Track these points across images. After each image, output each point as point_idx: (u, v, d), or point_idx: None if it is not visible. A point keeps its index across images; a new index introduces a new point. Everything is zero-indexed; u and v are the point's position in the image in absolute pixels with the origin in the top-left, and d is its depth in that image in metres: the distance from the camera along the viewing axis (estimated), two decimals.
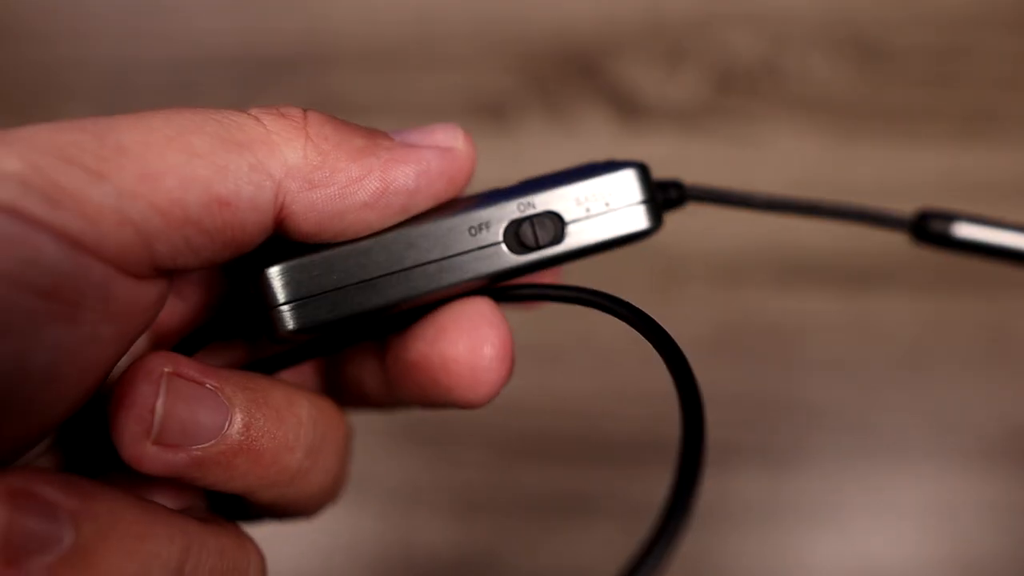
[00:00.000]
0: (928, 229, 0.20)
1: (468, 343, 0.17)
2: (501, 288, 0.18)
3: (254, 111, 0.16)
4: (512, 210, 0.17)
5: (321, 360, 0.21)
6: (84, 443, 0.17)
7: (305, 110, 0.17)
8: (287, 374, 0.20)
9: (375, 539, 0.40)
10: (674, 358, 0.16)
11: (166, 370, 0.15)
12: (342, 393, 0.21)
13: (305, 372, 0.21)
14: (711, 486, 0.40)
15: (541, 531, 0.40)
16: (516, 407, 0.41)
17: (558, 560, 0.40)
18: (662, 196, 0.19)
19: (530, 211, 0.17)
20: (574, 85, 0.45)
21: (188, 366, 0.16)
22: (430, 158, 0.17)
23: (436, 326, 0.17)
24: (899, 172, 0.43)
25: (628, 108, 0.45)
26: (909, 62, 0.44)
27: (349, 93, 0.46)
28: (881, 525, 0.39)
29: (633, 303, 0.17)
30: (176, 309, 0.18)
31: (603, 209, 0.18)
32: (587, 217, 0.17)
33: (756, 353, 0.42)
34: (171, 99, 0.47)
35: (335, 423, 0.18)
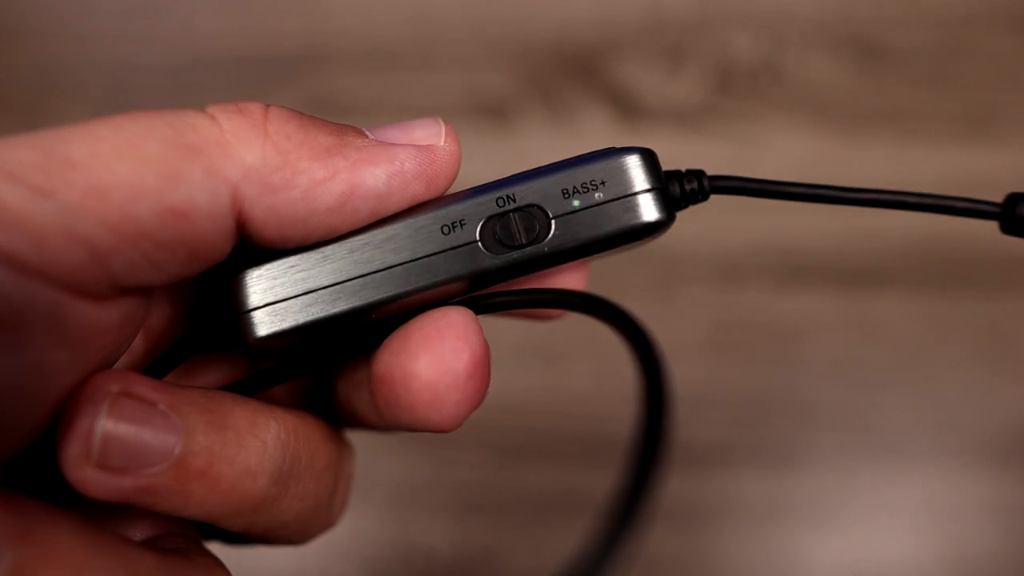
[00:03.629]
0: (1018, 215, 0.17)
1: (431, 357, 0.15)
2: (478, 296, 0.16)
3: (211, 109, 0.15)
4: (490, 205, 0.15)
5: (313, 380, 0.20)
6: (47, 471, 0.16)
7: (268, 105, 0.15)
8: (279, 391, 0.19)
9: (375, 539, 0.40)
10: (652, 371, 0.14)
11: (113, 389, 0.14)
12: (338, 415, 0.20)
13: (298, 393, 0.20)
14: (711, 486, 0.40)
15: (541, 531, 0.40)
16: (516, 407, 0.41)
17: (558, 560, 0.40)
18: (678, 188, 0.17)
19: (510, 205, 0.15)
20: (574, 85, 0.45)
21: (139, 385, 0.15)
22: (405, 158, 0.15)
23: (402, 336, 0.16)
24: (899, 172, 0.43)
25: (628, 108, 0.45)
26: (909, 62, 0.44)
27: (349, 93, 0.46)
28: (881, 525, 0.39)
29: (623, 307, 0.15)
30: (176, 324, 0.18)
31: (596, 200, 0.15)
32: (577, 210, 0.15)
33: (756, 353, 0.42)
34: (171, 100, 0.47)
35: (314, 445, 0.17)
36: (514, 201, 0.16)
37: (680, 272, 0.42)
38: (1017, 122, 0.43)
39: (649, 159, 0.16)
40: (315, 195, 0.15)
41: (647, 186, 0.16)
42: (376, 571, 0.40)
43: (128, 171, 0.13)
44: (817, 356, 0.41)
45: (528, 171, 0.16)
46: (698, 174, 0.17)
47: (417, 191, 0.16)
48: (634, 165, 0.16)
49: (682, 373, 0.41)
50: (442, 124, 0.16)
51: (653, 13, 0.46)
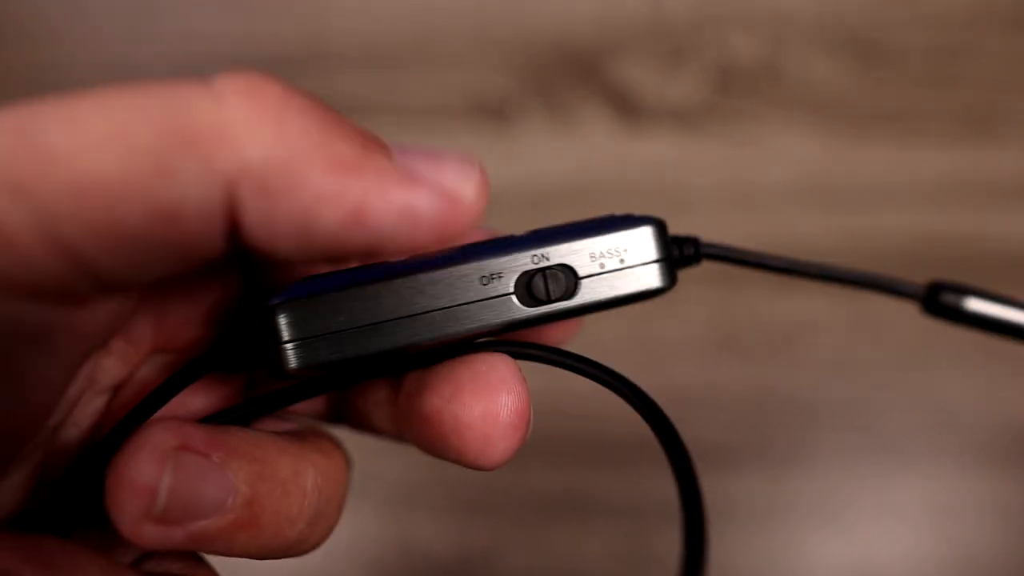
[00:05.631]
0: (939, 302, 0.20)
1: (484, 409, 0.16)
2: (512, 343, 0.18)
3: (220, 84, 0.13)
4: (526, 261, 0.17)
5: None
6: (70, 492, 0.16)
7: (288, 89, 0.13)
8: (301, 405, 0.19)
9: (375, 539, 0.40)
10: (672, 444, 0.16)
11: (171, 444, 0.14)
12: (348, 418, 0.20)
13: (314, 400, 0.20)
14: (711, 486, 0.40)
15: (541, 531, 0.40)
16: None
17: (558, 560, 0.40)
18: (678, 253, 0.19)
19: (543, 263, 0.17)
20: (574, 85, 0.45)
21: (195, 438, 0.14)
22: (425, 202, 0.13)
23: (454, 384, 0.16)
24: (899, 172, 0.43)
25: (628, 108, 0.45)
26: (909, 62, 0.44)
27: (349, 93, 0.46)
28: (881, 525, 0.39)
29: (633, 381, 0.17)
30: (191, 314, 0.17)
31: (618, 266, 0.17)
32: (601, 273, 0.17)
33: (756, 353, 0.42)
34: None
35: (340, 483, 0.17)
36: (547, 259, 0.17)
37: (680, 272, 0.42)
38: (1017, 122, 0.43)
39: (662, 231, 0.18)
40: (315, 213, 0.13)
41: (659, 256, 0.17)
42: (376, 571, 0.40)
43: (115, 165, 0.12)
44: (817, 356, 0.41)
45: (556, 229, 0.17)
46: (694, 241, 0.19)
47: (423, 240, 0.14)
48: (652, 236, 0.17)
49: (682, 373, 0.41)
50: (477, 169, 0.14)
51: (653, 13, 0.46)
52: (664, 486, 0.43)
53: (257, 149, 0.12)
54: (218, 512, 0.14)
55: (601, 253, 0.17)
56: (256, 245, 0.13)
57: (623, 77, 0.45)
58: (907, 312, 0.42)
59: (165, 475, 0.14)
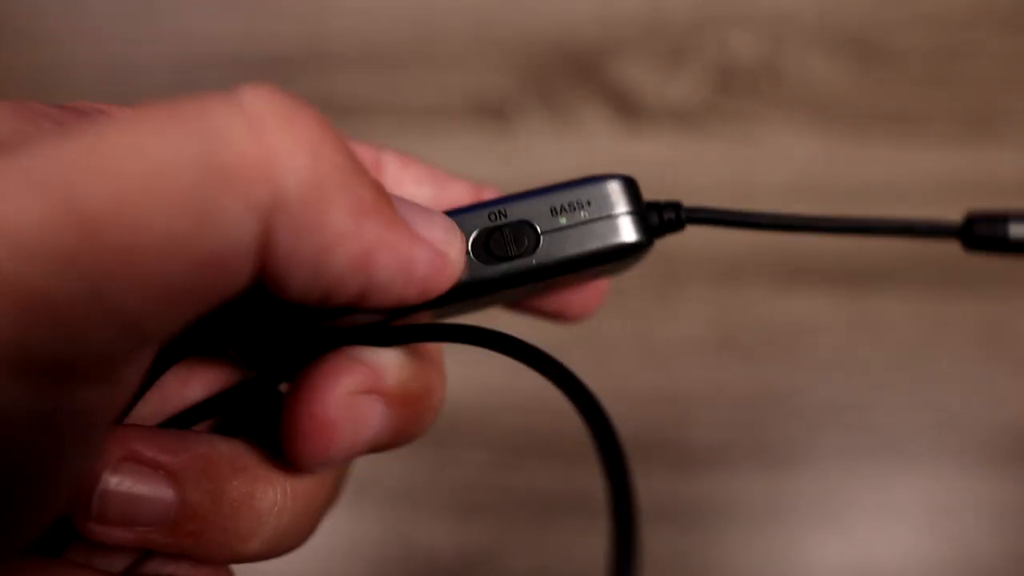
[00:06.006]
0: (977, 233, 0.19)
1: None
2: (372, 328, 0.17)
3: (249, 101, 0.12)
4: (483, 219, 0.16)
5: None
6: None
7: (321, 118, 0.13)
8: None
9: (375, 539, 0.40)
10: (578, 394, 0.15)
11: (119, 455, 0.15)
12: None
13: None
14: (712, 486, 0.40)
15: (541, 531, 0.40)
16: (516, 407, 0.41)
17: (558, 560, 0.40)
18: (657, 217, 0.18)
19: (501, 220, 0.16)
20: (574, 85, 0.45)
21: (145, 447, 0.15)
22: (422, 257, 0.14)
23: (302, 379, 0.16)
24: (899, 172, 0.43)
25: (628, 108, 0.45)
26: (909, 62, 0.44)
27: (349, 93, 0.46)
28: (881, 525, 0.39)
29: (519, 339, 0.16)
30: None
31: (581, 219, 0.17)
32: (564, 227, 0.17)
33: (756, 353, 0.42)
34: None
35: (314, 502, 0.17)
36: (505, 216, 0.16)
37: (680, 272, 0.42)
38: (1017, 122, 0.43)
39: (630, 186, 0.17)
40: (329, 251, 0.12)
41: (627, 209, 0.17)
42: (376, 571, 0.40)
43: (160, 221, 0.11)
44: (817, 356, 0.41)
45: (519, 192, 0.17)
46: (675, 205, 0.18)
47: (410, 296, 0.14)
48: (616, 189, 0.17)
49: (682, 373, 0.41)
50: (459, 232, 0.15)
51: (653, 13, 0.46)
52: (664, 486, 0.43)
53: (293, 181, 0.12)
54: (160, 522, 0.15)
55: (562, 207, 0.17)
56: (272, 278, 0.13)
57: (623, 77, 0.45)
58: (907, 312, 0.42)
59: (102, 478, 0.14)
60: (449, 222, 0.15)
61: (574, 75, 0.45)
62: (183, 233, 0.11)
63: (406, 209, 0.14)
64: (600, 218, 0.17)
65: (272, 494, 0.16)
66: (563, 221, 0.17)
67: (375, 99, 0.46)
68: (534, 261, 0.16)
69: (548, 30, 0.46)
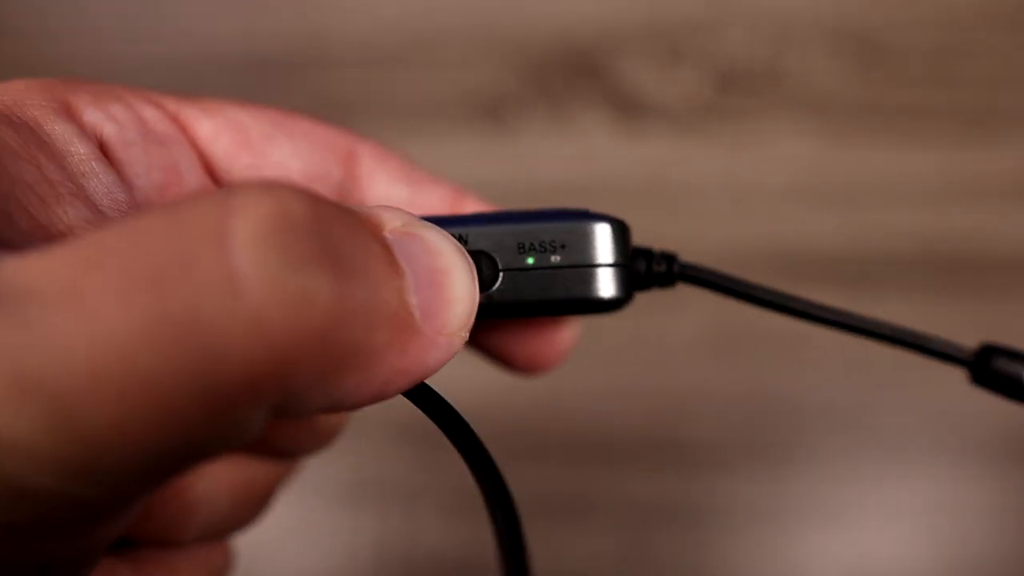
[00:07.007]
0: (992, 369, 0.16)
1: None
2: None
3: (241, 225, 0.10)
4: None
5: None
6: None
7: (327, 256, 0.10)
8: None
9: (375, 539, 0.40)
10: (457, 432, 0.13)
11: None
12: None
13: None
14: (711, 486, 0.40)
15: (541, 531, 0.40)
16: (516, 407, 0.41)
17: (557, 560, 0.40)
18: (644, 266, 0.16)
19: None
20: (574, 85, 0.45)
21: None
22: (434, 358, 0.12)
23: None
24: (899, 172, 0.43)
25: (628, 108, 0.45)
26: (909, 62, 0.44)
27: (349, 93, 0.46)
28: (881, 525, 0.39)
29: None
30: None
31: (551, 263, 0.14)
32: (527, 269, 0.14)
33: (756, 354, 0.41)
34: None
35: (256, 487, 0.17)
36: (465, 242, 0.14)
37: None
38: (1017, 122, 0.43)
39: (618, 232, 0.15)
40: (342, 406, 0.11)
41: (610, 261, 0.14)
42: (376, 571, 0.40)
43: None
44: (818, 356, 0.41)
45: (493, 213, 0.15)
46: (669, 258, 0.16)
47: (406, 382, 0.12)
48: (601, 236, 0.14)
49: (682, 373, 0.41)
50: (470, 296, 0.12)
51: (653, 13, 0.46)
52: (663, 486, 0.43)
53: (305, 370, 0.10)
54: None
55: (531, 245, 0.14)
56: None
57: (623, 77, 0.45)
58: (907, 312, 0.42)
59: None
60: (466, 283, 0.12)
61: (574, 75, 0.45)
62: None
63: (421, 288, 0.12)
64: (574, 266, 0.14)
65: (203, 484, 0.16)
66: (529, 261, 0.14)
67: (375, 99, 0.46)
68: (483, 299, 0.14)
69: (548, 30, 0.46)
